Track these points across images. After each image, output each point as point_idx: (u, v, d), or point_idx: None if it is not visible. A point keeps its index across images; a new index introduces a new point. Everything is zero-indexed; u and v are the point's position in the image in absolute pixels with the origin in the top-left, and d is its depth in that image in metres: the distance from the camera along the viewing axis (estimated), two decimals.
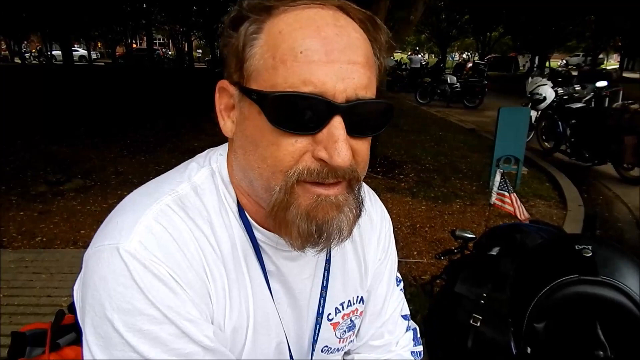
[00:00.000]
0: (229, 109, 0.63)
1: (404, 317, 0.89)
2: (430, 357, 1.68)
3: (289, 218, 0.57)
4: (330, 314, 0.76)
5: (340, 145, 0.53)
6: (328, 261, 0.74)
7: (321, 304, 0.73)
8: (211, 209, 0.64)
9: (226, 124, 0.63)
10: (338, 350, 0.80)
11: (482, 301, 1.45)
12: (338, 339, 0.79)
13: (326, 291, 0.73)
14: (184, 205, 0.62)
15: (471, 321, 1.43)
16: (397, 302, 0.87)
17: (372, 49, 0.59)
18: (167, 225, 0.59)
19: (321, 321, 0.74)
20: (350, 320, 0.79)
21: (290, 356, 0.72)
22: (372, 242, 0.81)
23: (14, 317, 2.82)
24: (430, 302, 2.19)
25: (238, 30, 0.58)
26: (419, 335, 0.92)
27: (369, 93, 0.56)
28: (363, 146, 0.59)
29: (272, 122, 0.54)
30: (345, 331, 0.79)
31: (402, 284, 0.90)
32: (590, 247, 0.96)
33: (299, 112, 0.53)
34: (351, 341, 0.82)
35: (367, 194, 0.83)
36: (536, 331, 0.93)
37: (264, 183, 0.58)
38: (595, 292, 0.90)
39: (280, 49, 0.53)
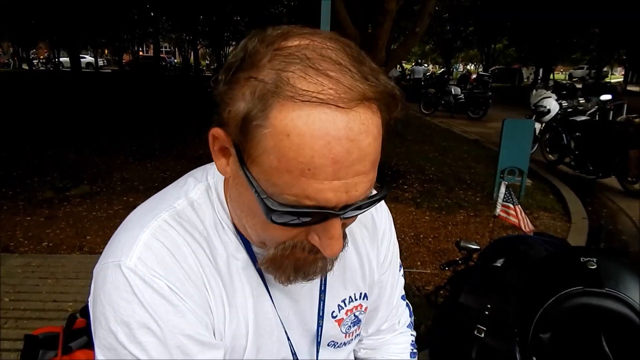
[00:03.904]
0: (224, 150, 0.60)
1: (402, 297, 0.96)
2: None
3: (280, 268, 0.62)
4: (333, 311, 0.79)
5: (333, 242, 0.56)
6: None
7: (321, 306, 0.76)
8: (207, 224, 0.66)
9: (221, 163, 0.61)
10: (345, 344, 0.83)
11: (487, 312, 1.46)
12: (344, 334, 0.82)
13: (325, 294, 0.76)
14: (181, 220, 0.64)
15: (475, 332, 1.44)
16: (400, 287, 0.94)
17: (381, 133, 0.55)
18: (164, 241, 0.61)
19: (322, 323, 0.77)
20: (354, 315, 0.82)
21: (294, 357, 0.75)
22: (375, 240, 0.83)
23: (19, 322, 2.85)
24: (435, 313, 2.20)
25: (238, 88, 0.53)
26: (411, 309, 1.02)
27: (369, 191, 0.55)
28: (353, 219, 0.62)
29: (271, 221, 0.54)
30: (350, 326, 0.82)
31: (402, 269, 0.97)
32: (595, 260, 0.98)
33: (298, 219, 0.54)
34: (357, 334, 0.86)
35: None
36: (542, 341, 0.95)
37: (258, 240, 0.63)
38: (600, 304, 0.91)
39: (286, 157, 0.50)
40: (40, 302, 3.09)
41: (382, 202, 0.86)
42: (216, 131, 0.58)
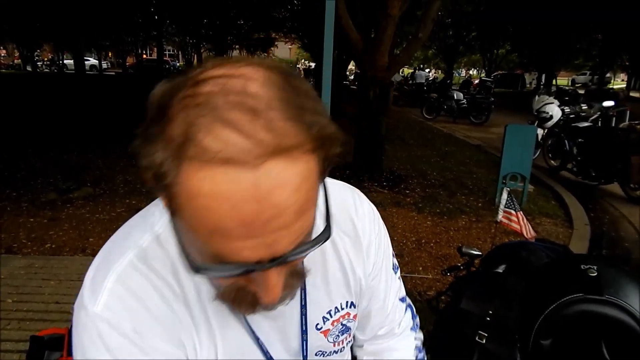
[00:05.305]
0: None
1: (401, 299, 0.93)
2: None
3: (236, 301, 0.60)
4: (318, 323, 0.77)
5: (270, 291, 0.53)
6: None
7: (303, 321, 0.75)
8: (175, 257, 0.65)
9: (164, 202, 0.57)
10: (335, 352, 0.82)
11: (488, 318, 1.47)
12: (332, 343, 0.80)
13: (306, 309, 0.75)
14: (147, 258, 0.64)
15: (477, 338, 1.45)
16: (395, 290, 0.90)
17: (308, 178, 0.49)
18: (130, 284, 0.62)
19: (307, 337, 0.76)
20: (342, 324, 0.80)
21: None
22: (359, 249, 0.80)
23: (22, 323, 2.86)
24: (436, 318, 2.20)
25: (151, 144, 0.48)
26: (414, 310, 0.98)
27: (299, 239, 0.51)
28: (296, 261, 0.57)
29: (200, 274, 0.53)
30: (338, 335, 0.81)
31: (399, 271, 0.92)
32: (595, 267, 0.99)
33: (225, 274, 0.52)
34: (349, 342, 0.84)
35: (352, 197, 0.82)
36: (542, 348, 0.96)
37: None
38: (600, 311, 0.92)
39: (196, 219, 0.47)
40: (43, 303, 3.10)
41: (365, 206, 0.82)
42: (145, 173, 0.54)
